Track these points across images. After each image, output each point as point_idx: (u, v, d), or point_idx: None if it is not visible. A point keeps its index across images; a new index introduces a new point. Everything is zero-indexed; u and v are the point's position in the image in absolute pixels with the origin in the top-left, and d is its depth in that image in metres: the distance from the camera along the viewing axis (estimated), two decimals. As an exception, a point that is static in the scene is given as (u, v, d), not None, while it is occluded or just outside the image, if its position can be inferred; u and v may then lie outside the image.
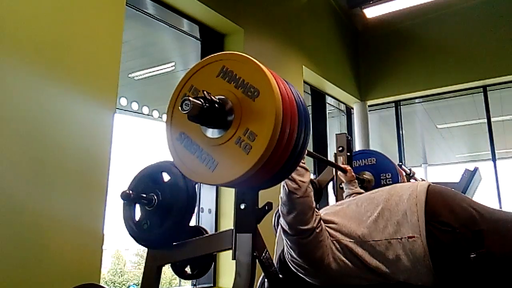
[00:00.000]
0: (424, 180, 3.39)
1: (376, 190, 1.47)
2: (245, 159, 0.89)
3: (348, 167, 2.20)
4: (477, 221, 1.18)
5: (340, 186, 2.24)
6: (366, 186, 2.44)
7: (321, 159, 2.17)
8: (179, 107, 0.89)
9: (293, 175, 1.26)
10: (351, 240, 1.29)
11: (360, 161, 2.60)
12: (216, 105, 0.92)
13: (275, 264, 1.57)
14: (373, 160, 2.58)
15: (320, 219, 1.32)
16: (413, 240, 1.19)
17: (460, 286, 1.19)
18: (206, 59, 1.03)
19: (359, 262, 1.27)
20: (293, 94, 0.97)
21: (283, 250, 1.59)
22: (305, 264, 1.32)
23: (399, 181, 2.47)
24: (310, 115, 5.33)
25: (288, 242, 1.32)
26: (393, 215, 1.26)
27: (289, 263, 1.37)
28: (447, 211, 1.21)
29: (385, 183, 2.47)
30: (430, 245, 1.16)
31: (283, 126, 0.89)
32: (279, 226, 1.39)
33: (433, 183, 1.37)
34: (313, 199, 1.32)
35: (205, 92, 0.91)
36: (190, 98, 0.88)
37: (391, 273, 1.23)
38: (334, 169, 2.30)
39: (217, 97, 0.94)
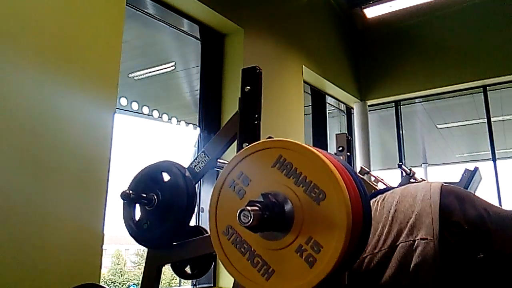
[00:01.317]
0: (425, 180, 3.40)
1: (390, 192, 1.44)
2: (308, 273, 0.76)
3: None
4: (486, 221, 1.18)
5: None
6: None
7: None
8: (237, 219, 0.76)
9: None
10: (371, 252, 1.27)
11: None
12: (276, 209, 0.80)
13: None
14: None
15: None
16: (426, 242, 1.18)
17: (467, 287, 1.19)
18: (258, 143, 0.89)
19: (374, 273, 1.26)
20: (359, 190, 0.84)
21: None
22: None
23: None
24: (310, 115, 5.28)
25: None
26: (407, 217, 1.25)
27: None
28: (459, 211, 1.20)
29: None
30: (441, 246, 1.16)
31: (353, 236, 0.76)
32: None
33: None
34: None
35: (265, 196, 0.79)
36: (249, 209, 0.76)
37: (401, 276, 1.23)
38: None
39: (273, 192, 0.82)
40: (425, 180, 3.20)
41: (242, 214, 0.76)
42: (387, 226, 1.28)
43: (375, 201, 1.41)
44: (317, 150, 0.81)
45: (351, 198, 0.77)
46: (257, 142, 0.90)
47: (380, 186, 3.11)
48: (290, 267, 0.79)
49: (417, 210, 1.24)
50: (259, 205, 0.77)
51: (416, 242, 1.20)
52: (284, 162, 0.83)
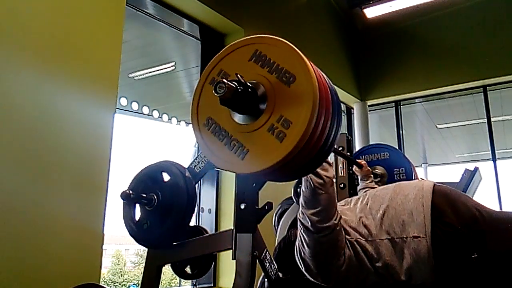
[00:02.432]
0: (425, 180, 3.39)
1: (382, 187, 1.47)
2: (278, 148, 0.84)
3: (363, 162, 2.20)
4: (479, 222, 1.19)
5: (341, 185, 2.24)
6: (379, 180, 2.41)
7: (339, 153, 2.16)
8: (213, 90, 0.83)
9: (318, 169, 1.21)
10: (362, 238, 1.28)
11: (373, 155, 2.54)
12: (249, 90, 0.87)
13: (274, 251, 1.57)
14: (386, 154, 2.53)
15: (341, 217, 1.29)
16: (418, 240, 1.19)
17: (462, 285, 1.19)
18: (237, 42, 0.97)
19: (368, 261, 1.26)
20: (327, 82, 0.93)
21: (284, 238, 1.58)
22: (315, 266, 1.28)
23: (413, 175, 2.41)
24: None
25: (306, 239, 1.28)
26: (399, 214, 1.26)
27: (297, 260, 1.35)
28: (451, 212, 1.21)
29: (398, 178, 2.41)
30: (434, 245, 1.16)
31: (319, 114, 0.84)
32: (293, 224, 1.35)
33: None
34: (336, 195, 1.29)
35: (238, 75, 0.87)
36: (225, 81, 0.83)
37: (394, 272, 1.24)
38: (334, 169, 2.30)
39: (249, 81, 0.89)
40: (425, 180, 3.19)
41: (218, 86, 0.83)
42: (378, 220, 1.29)
43: (366, 194, 1.43)
44: (290, 43, 0.90)
45: (318, 80, 0.86)
46: (235, 41, 0.98)
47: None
48: (263, 145, 0.87)
49: (409, 209, 1.25)
50: (234, 83, 0.85)
51: (408, 240, 1.21)
52: (260, 55, 0.92)
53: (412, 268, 1.20)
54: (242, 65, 0.93)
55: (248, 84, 0.88)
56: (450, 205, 1.23)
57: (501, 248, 1.16)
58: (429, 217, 1.20)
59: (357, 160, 2.21)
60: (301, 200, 1.28)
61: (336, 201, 1.29)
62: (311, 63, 0.90)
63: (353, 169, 2.23)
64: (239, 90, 0.85)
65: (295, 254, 1.35)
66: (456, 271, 1.17)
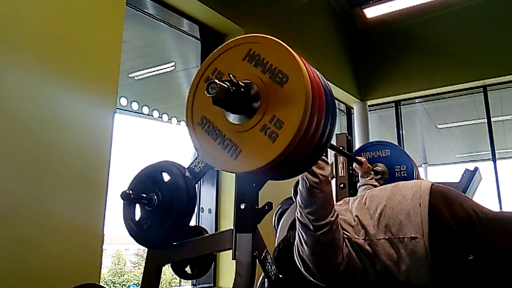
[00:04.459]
0: (423, 180, 3.39)
1: (380, 187, 1.47)
2: (270, 148, 0.84)
3: (363, 159, 2.20)
4: (475, 223, 1.19)
5: (341, 185, 2.24)
6: (379, 178, 2.40)
7: (339, 151, 2.15)
8: (205, 91, 0.83)
9: (314, 168, 1.20)
10: (359, 237, 1.28)
11: (374, 152, 2.52)
12: (242, 90, 0.87)
13: (273, 252, 1.57)
14: (387, 151, 2.50)
15: (338, 215, 1.29)
16: (416, 241, 1.19)
17: (459, 287, 1.19)
18: (232, 41, 0.97)
19: (366, 260, 1.26)
20: (321, 82, 0.93)
21: (283, 239, 1.58)
22: (314, 264, 1.29)
23: (414, 173, 2.40)
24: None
25: (304, 238, 1.28)
26: (396, 214, 1.26)
27: (296, 260, 1.35)
28: (448, 213, 1.21)
29: (399, 175, 2.38)
30: (432, 246, 1.16)
31: (312, 114, 0.84)
32: (294, 223, 1.35)
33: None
34: (333, 193, 1.29)
35: (231, 75, 0.87)
36: (216, 81, 0.83)
37: (392, 273, 1.23)
38: (334, 169, 2.30)
39: (243, 81, 0.89)
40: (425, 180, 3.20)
41: (210, 86, 0.83)
42: (375, 219, 1.29)
43: (363, 195, 1.43)
44: (283, 43, 0.90)
45: (312, 81, 0.85)
46: (229, 41, 0.98)
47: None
48: (255, 145, 0.87)
49: (406, 209, 1.25)
50: (227, 83, 0.85)
51: (405, 240, 1.20)
52: (253, 55, 0.92)
53: (410, 269, 1.20)
54: (235, 65, 0.94)
55: (241, 84, 0.88)
56: (447, 206, 1.23)
57: (497, 249, 1.16)
58: (426, 218, 1.20)
59: (357, 157, 2.21)
60: (298, 198, 1.28)
61: (333, 199, 1.29)
62: (305, 62, 0.90)
63: (353, 166, 2.23)
64: (232, 90, 0.85)
65: (294, 253, 1.35)
66: (453, 272, 1.17)
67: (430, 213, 1.20)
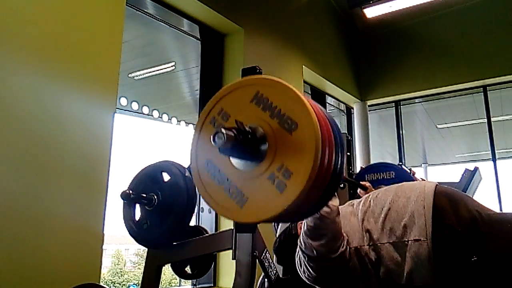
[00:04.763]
0: (425, 180, 3.39)
1: (384, 189, 1.45)
2: (278, 198, 0.81)
3: (368, 184, 2.17)
4: (479, 224, 1.18)
5: (341, 185, 2.24)
6: None
7: (346, 180, 2.16)
8: (212, 140, 0.80)
9: None
10: (364, 244, 1.28)
11: (379, 174, 2.53)
12: (250, 136, 0.84)
13: (274, 244, 1.56)
14: (392, 173, 2.51)
15: (347, 240, 1.27)
16: (419, 243, 1.18)
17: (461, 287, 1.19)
18: (239, 81, 0.94)
19: (370, 268, 1.26)
20: (330, 123, 0.89)
21: (285, 230, 1.58)
22: (319, 283, 1.28)
23: None
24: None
25: (311, 266, 1.25)
26: (400, 216, 1.25)
27: (300, 273, 1.34)
28: (453, 214, 1.20)
29: None
30: (435, 248, 1.16)
31: (321, 163, 0.81)
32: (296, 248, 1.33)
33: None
34: (341, 224, 1.27)
35: (238, 122, 0.84)
36: (223, 130, 0.80)
37: (396, 277, 1.23)
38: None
39: (249, 125, 0.86)
40: (424, 180, 3.20)
41: (216, 136, 0.80)
42: (380, 223, 1.28)
43: (368, 197, 1.42)
44: (292, 86, 0.86)
45: (321, 128, 0.82)
46: (236, 81, 0.95)
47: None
48: (262, 194, 0.83)
49: (410, 211, 1.24)
50: (233, 130, 0.82)
51: (409, 243, 1.20)
52: (261, 98, 0.88)
53: (413, 271, 1.20)
54: (243, 106, 0.90)
55: (248, 130, 0.85)
56: (451, 207, 1.22)
57: (500, 251, 1.15)
58: (430, 219, 1.19)
59: (361, 182, 2.20)
60: (303, 230, 1.24)
61: (342, 229, 1.26)
62: (313, 104, 0.87)
63: (358, 191, 2.22)
64: (239, 139, 0.82)
65: (297, 269, 1.33)
66: (456, 274, 1.17)
67: (434, 215, 1.20)
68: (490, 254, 1.15)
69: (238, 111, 0.90)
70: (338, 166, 0.89)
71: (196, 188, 0.94)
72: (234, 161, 0.88)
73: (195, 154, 0.95)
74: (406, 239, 1.21)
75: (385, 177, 2.50)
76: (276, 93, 0.87)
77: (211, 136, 0.81)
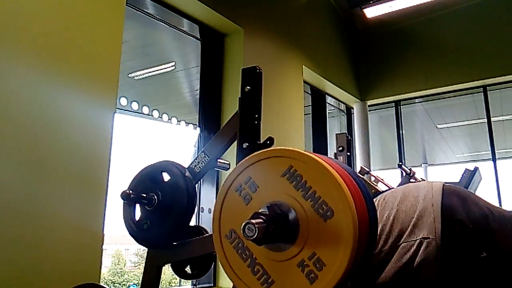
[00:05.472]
0: (425, 180, 3.40)
1: (391, 191, 1.44)
2: None
3: None
4: (490, 221, 1.18)
5: None
6: None
7: None
8: (242, 231, 0.75)
9: None
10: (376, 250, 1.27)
11: None
12: (281, 222, 0.78)
13: None
14: None
15: None
16: (428, 241, 1.18)
17: (468, 286, 1.19)
18: (271, 150, 0.86)
19: (376, 273, 1.26)
20: (367, 208, 0.82)
21: None
22: None
23: None
24: (310, 115, 5.24)
25: None
26: (409, 217, 1.25)
27: None
28: (462, 210, 1.20)
29: None
30: (444, 245, 1.16)
31: (357, 257, 0.75)
32: None
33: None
34: None
35: (271, 207, 0.78)
36: (254, 222, 0.74)
37: (402, 276, 1.23)
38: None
39: (279, 203, 0.80)
40: (425, 180, 3.20)
41: (247, 228, 0.74)
42: (388, 226, 1.27)
43: (376, 199, 1.41)
44: (329, 165, 0.79)
45: (359, 218, 0.75)
46: (269, 149, 0.88)
47: (380, 186, 3.12)
48: (290, 280, 0.77)
49: (418, 210, 1.24)
50: (264, 217, 0.76)
51: (418, 242, 1.19)
52: (294, 173, 0.80)
53: (419, 269, 1.20)
54: (273, 179, 0.83)
55: (279, 212, 0.78)
56: (461, 204, 1.22)
57: (510, 249, 1.15)
58: (439, 217, 1.19)
59: None
60: None
61: None
62: (349, 182, 0.79)
63: None
64: (271, 229, 0.76)
65: None
66: (464, 271, 1.16)
67: (443, 212, 1.19)
68: (499, 251, 1.14)
69: (268, 184, 0.83)
70: (372, 248, 0.83)
71: (217, 258, 0.88)
72: None
73: (217, 221, 0.89)
74: (414, 239, 1.20)
75: None
76: (312, 172, 0.79)
77: (241, 228, 0.75)
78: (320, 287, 0.74)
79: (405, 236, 1.23)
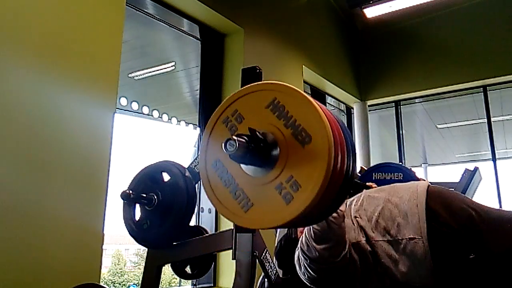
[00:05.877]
0: (425, 180, 3.40)
1: (377, 188, 1.46)
2: (284, 210, 0.79)
3: (374, 185, 2.18)
4: (476, 221, 1.19)
5: None
6: None
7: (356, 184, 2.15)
8: (223, 147, 0.80)
9: None
10: (362, 240, 1.28)
11: (386, 174, 2.51)
12: (262, 144, 0.83)
13: (275, 249, 1.57)
14: (400, 175, 2.48)
15: (350, 245, 1.27)
16: (414, 242, 1.19)
17: (459, 286, 1.19)
18: (257, 84, 0.92)
19: (370, 260, 1.26)
20: (343, 132, 0.86)
21: (285, 235, 1.58)
22: (321, 285, 1.28)
23: None
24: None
25: (312, 268, 1.25)
26: (394, 215, 1.26)
27: (300, 274, 1.34)
28: (446, 212, 1.21)
29: None
30: (432, 246, 1.16)
31: (331, 179, 0.79)
32: (299, 255, 1.31)
33: (433, 183, 1.37)
34: (346, 228, 1.26)
35: (251, 129, 0.83)
36: (235, 138, 0.79)
37: (392, 274, 1.23)
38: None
39: (262, 131, 0.85)
40: (425, 180, 3.20)
41: (228, 143, 0.79)
42: (373, 221, 1.29)
43: (360, 195, 1.43)
44: (310, 97, 0.84)
45: (335, 143, 0.80)
46: (255, 83, 0.93)
47: (380, 186, 3.11)
48: (268, 202, 0.82)
49: (403, 210, 1.25)
50: (245, 138, 0.81)
51: (404, 242, 1.20)
52: (277, 105, 0.86)
53: (410, 271, 1.20)
54: (258, 111, 0.88)
55: (260, 137, 0.83)
56: (444, 206, 1.23)
57: (499, 248, 1.16)
58: (424, 218, 1.20)
59: (367, 183, 2.18)
60: (308, 232, 1.24)
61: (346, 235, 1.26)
62: (328, 115, 0.84)
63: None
64: (251, 147, 0.80)
65: (297, 270, 1.33)
66: (454, 272, 1.17)
67: (428, 213, 1.20)
68: (488, 251, 1.15)
69: (253, 115, 0.88)
70: (349, 175, 0.86)
71: (202, 185, 0.93)
72: (244, 165, 0.87)
73: (204, 151, 0.94)
74: (401, 238, 1.21)
75: (393, 178, 2.49)
76: (294, 103, 0.84)
77: (223, 143, 0.79)
78: (295, 206, 0.78)
79: (391, 233, 1.24)
